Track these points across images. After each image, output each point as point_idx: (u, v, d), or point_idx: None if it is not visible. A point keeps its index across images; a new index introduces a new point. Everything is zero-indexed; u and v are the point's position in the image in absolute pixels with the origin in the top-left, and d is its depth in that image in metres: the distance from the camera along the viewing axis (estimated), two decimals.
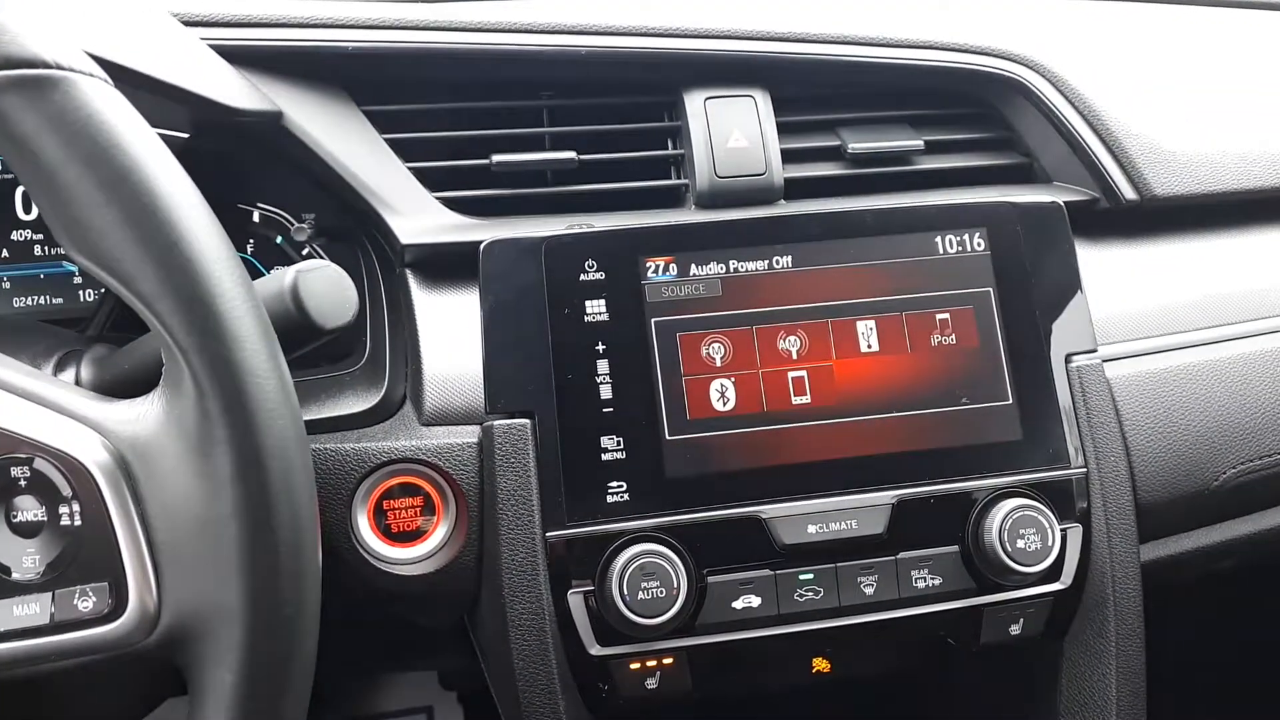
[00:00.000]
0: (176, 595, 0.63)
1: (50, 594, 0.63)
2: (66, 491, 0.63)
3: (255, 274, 0.95)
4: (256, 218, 1.05)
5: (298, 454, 0.64)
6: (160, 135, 0.97)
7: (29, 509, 0.63)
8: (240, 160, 1.02)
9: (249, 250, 1.06)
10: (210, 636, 0.63)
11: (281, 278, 0.72)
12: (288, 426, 0.63)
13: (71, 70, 0.60)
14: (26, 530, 0.64)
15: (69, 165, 0.59)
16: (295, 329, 0.71)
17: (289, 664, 0.64)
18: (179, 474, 0.62)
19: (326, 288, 0.73)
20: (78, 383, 0.80)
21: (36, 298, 1.05)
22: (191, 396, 0.62)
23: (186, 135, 0.95)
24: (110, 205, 0.60)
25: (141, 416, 0.64)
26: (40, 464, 0.63)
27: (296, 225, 1.04)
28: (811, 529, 0.90)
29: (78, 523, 0.63)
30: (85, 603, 0.63)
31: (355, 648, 1.15)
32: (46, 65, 0.59)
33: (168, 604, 0.63)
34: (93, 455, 0.63)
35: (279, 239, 1.05)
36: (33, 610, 0.63)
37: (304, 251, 1.06)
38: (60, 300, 1.05)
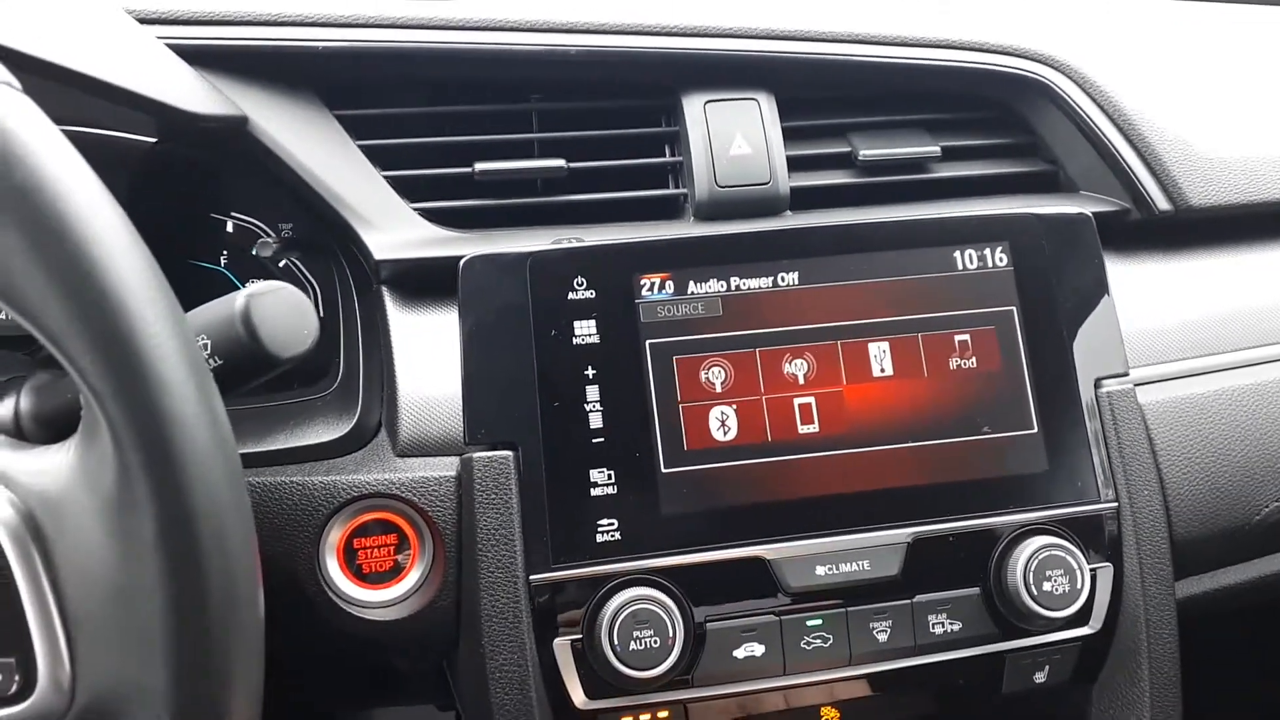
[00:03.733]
0: (93, 673, 0.57)
1: None
2: None
3: (230, 287, 0.93)
4: (230, 228, 1.02)
5: (233, 516, 0.58)
6: (124, 140, 0.90)
7: None
8: (214, 167, 1.00)
9: (222, 263, 1.03)
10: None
11: (231, 301, 0.68)
12: (220, 484, 0.57)
13: None
14: None
15: None
16: (247, 358, 0.67)
17: None
18: (94, 535, 0.57)
19: (282, 312, 0.68)
20: (17, 413, 0.74)
21: None
22: (109, 447, 0.55)
23: (154, 140, 0.94)
24: (9, 227, 0.53)
25: (54, 467, 0.58)
26: None
27: (261, 239, 1.01)
28: (820, 570, 0.88)
29: None
30: None
31: (338, 684, 1.12)
32: None
33: (83, 683, 0.58)
34: None
35: (255, 250, 1.02)
36: None
37: (281, 264, 1.02)
38: (2, 315, 1.01)
